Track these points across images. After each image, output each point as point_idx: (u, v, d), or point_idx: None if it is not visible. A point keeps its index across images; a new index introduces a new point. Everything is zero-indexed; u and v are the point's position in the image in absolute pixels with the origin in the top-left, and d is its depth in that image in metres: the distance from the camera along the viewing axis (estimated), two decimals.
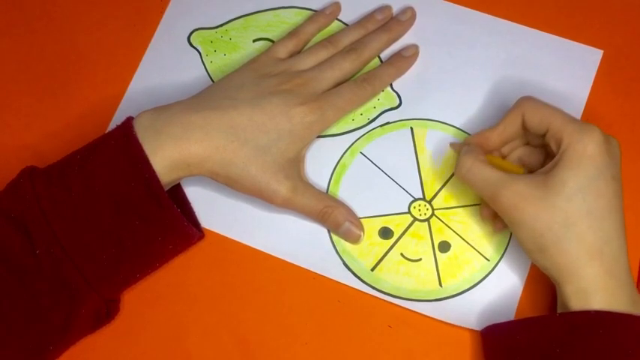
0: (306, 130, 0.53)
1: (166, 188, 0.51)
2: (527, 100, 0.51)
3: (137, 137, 0.49)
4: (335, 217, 0.54)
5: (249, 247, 0.55)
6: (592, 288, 0.46)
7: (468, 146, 0.52)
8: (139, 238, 0.50)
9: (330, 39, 0.57)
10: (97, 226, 0.49)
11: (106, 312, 0.52)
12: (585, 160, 0.47)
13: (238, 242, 0.56)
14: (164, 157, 0.49)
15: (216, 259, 0.55)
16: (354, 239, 0.55)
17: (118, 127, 0.51)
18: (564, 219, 0.46)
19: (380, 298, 0.54)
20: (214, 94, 0.53)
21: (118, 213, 0.49)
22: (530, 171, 0.52)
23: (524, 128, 0.51)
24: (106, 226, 0.49)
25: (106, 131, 0.52)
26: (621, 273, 0.47)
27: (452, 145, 0.55)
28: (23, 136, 0.59)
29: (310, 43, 0.59)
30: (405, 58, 0.58)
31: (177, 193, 0.56)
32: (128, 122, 0.51)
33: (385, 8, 0.60)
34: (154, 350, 0.54)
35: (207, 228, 0.56)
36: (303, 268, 0.55)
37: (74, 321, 0.50)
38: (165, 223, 0.50)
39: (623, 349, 0.45)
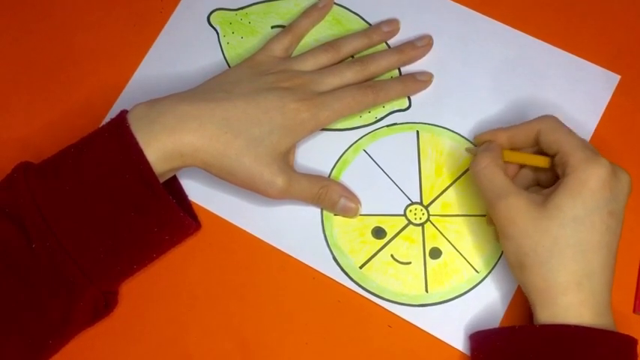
0: (299, 127, 0.53)
1: (161, 180, 0.51)
2: (548, 118, 0.51)
3: (130, 128, 0.49)
4: (330, 197, 0.54)
5: (250, 246, 0.55)
6: (564, 316, 0.46)
7: (489, 144, 0.52)
8: (135, 229, 0.50)
9: (332, 43, 0.57)
10: (93, 218, 0.49)
11: (104, 304, 0.52)
12: (585, 192, 0.46)
13: (238, 242, 0.56)
14: (157, 147, 0.49)
15: (216, 259, 0.56)
16: (353, 213, 0.55)
17: (112, 120, 0.51)
18: (552, 244, 0.46)
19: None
20: (210, 87, 0.53)
21: (113, 205, 0.49)
22: (540, 186, 0.52)
23: (538, 145, 0.51)
24: (102, 219, 0.49)
25: (101, 124, 0.52)
26: (599, 307, 0.47)
27: (467, 149, 0.55)
28: (21, 132, 0.59)
29: (307, 44, 0.59)
30: (417, 81, 0.57)
31: (173, 184, 0.56)
32: (122, 114, 0.51)
33: (393, 21, 0.59)
34: (153, 348, 0.54)
35: (202, 205, 0.56)
36: (303, 269, 0.55)
37: (73, 314, 0.50)
38: (160, 213, 0.50)
39: None
